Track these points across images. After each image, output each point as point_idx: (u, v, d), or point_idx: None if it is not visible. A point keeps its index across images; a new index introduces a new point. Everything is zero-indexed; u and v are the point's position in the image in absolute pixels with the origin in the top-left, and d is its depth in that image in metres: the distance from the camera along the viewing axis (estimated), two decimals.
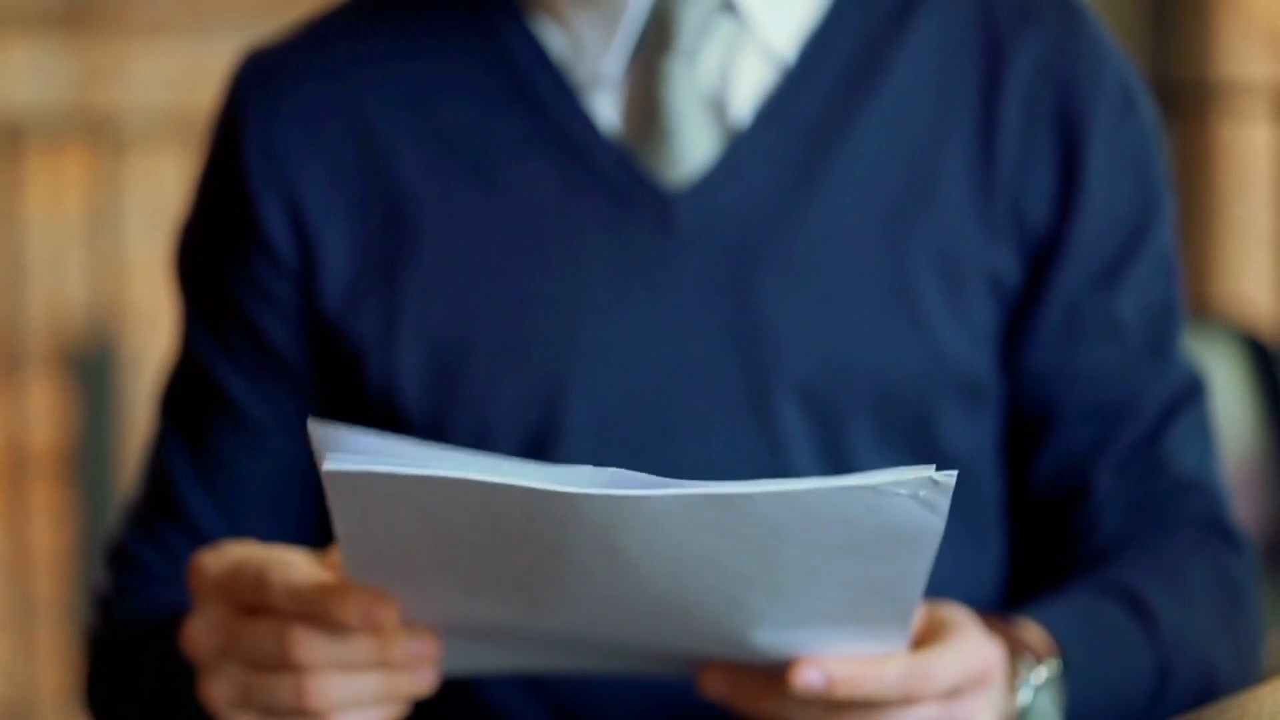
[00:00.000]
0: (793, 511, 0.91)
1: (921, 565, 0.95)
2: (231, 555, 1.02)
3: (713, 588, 0.95)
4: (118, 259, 3.44)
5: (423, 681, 1.01)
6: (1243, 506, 1.30)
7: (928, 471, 0.90)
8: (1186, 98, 3.75)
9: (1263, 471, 2.31)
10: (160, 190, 3.38)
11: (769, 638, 0.98)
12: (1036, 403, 1.24)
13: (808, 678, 0.98)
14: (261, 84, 1.26)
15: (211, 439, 1.26)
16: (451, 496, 0.91)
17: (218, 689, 1.02)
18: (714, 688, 1.01)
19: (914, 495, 0.90)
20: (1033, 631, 1.09)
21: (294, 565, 1.00)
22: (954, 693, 1.00)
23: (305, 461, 1.25)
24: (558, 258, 1.20)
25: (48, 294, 3.45)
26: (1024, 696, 1.05)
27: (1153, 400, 1.24)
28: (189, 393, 1.27)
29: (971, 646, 1.01)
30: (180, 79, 3.41)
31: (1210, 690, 1.17)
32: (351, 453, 0.91)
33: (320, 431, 0.91)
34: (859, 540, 0.92)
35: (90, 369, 3.44)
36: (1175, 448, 1.24)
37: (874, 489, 0.90)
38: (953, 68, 1.23)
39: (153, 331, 3.35)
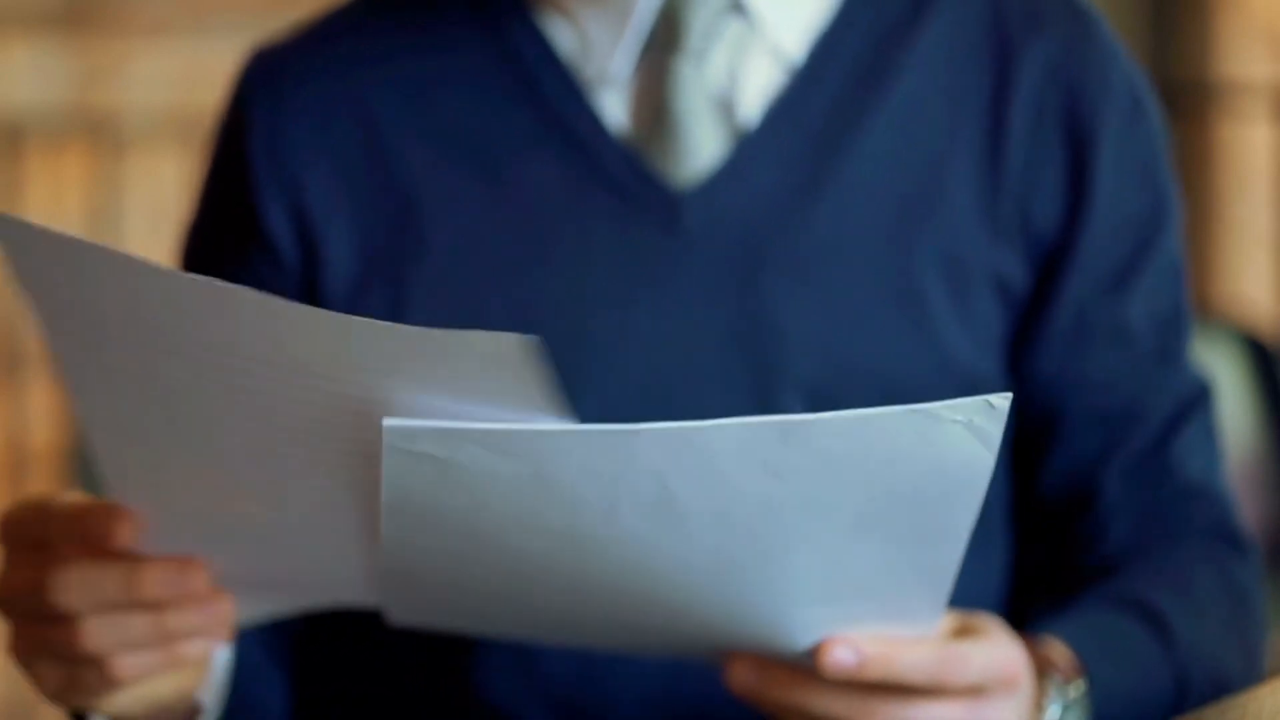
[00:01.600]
0: (849, 442, 0.90)
1: (966, 518, 0.93)
2: (30, 500, 1.00)
3: (755, 549, 0.94)
4: None
5: (208, 617, 0.98)
6: (1243, 506, 1.30)
7: (983, 398, 0.89)
8: (1186, 98, 3.75)
9: (1263, 472, 2.31)
10: (160, 190, 3.38)
11: (801, 614, 0.97)
12: (1044, 408, 1.24)
13: (838, 655, 0.96)
14: (267, 82, 1.26)
15: None
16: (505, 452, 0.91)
17: (18, 643, 1.01)
18: (741, 677, 1.00)
19: (968, 423, 0.90)
20: (1058, 650, 1.08)
21: (68, 496, 0.97)
22: (980, 691, 1.00)
23: None
24: (564, 256, 1.20)
25: None
26: (1052, 715, 1.05)
27: (1161, 406, 1.24)
28: None
29: (1001, 648, 1.01)
30: (180, 79, 3.41)
31: (1221, 699, 1.17)
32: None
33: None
34: (910, 476, 0.92)
35: None
36: (1183, 454, 1.24)
37: (930, 414, 0.89)
38: (962, 70, 1.23)
39: None
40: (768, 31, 1.22)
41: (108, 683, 0.99)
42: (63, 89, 3.42)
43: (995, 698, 1.00)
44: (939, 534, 0.95)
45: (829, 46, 1.23)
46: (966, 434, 0.91)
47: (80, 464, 3.44)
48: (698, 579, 0.95)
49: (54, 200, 3.44)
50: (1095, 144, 1.23)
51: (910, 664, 0.97)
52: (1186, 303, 1.27)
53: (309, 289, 1.23)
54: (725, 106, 1.22)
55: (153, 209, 3.40)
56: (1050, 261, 1.23)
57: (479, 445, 0.90)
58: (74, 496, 0.98)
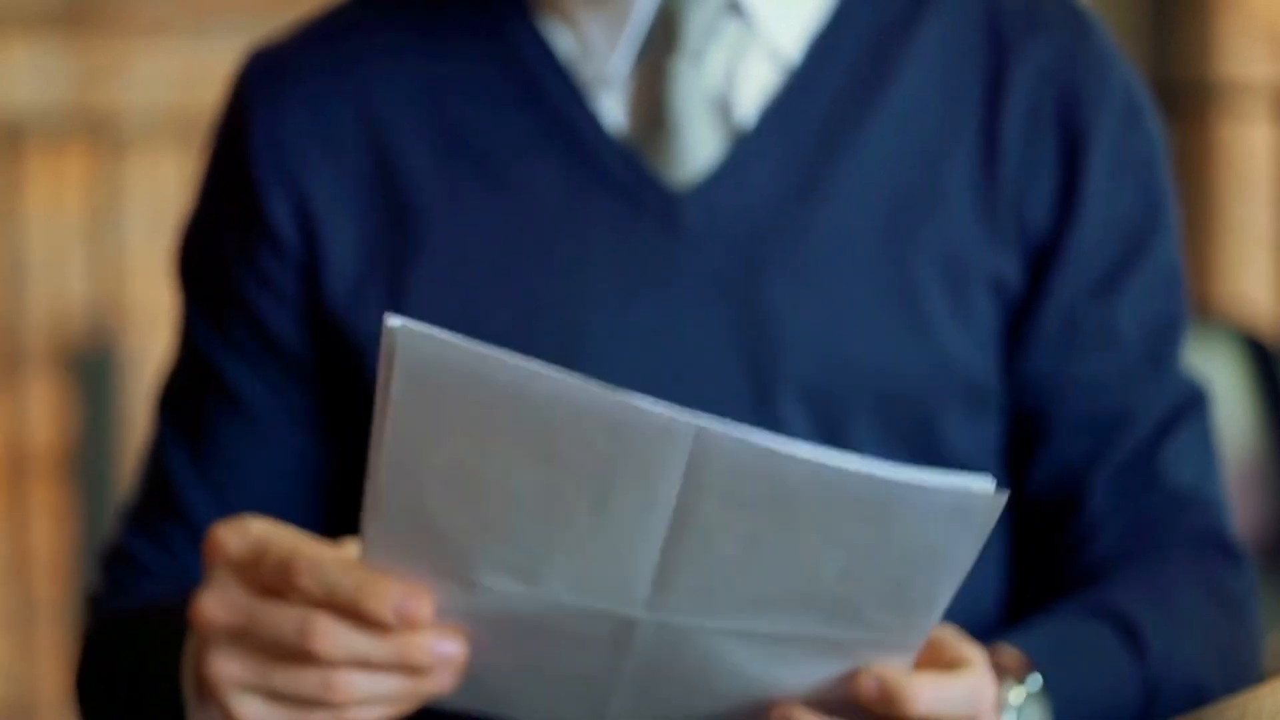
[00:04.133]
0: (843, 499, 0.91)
1: (952, 579, 0.95)
2: (254, 532, 0.99)
3: (752, 596, 0.94)
4: (118, 259, 3.44)
5: (444, 682, 0.98)
6: (1242, 507, 1.30)
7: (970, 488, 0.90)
8: (1186, 98, 3.75)
9: (1263, 472, 2.31)
10: (160, 190, 3.38)
11: (786, 626, 0.96)
12: (1033, 410, 1.24)
13: (871, 687, 0.96)
14: (268, 80, 1.26)
15: (212, 432, 1.26)
16: (519, 385, 0.89)
17: (226, 668, 0.98)
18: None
19: (956, 508, 0.91)
20: (1007, 654, 1.08)
21: (324, 550, 0.97)
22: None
23: (307, 457, 1.25)
24: (563, 256, 1.21)
25: (48, 294, 3.45)
26: (1006, 718, 1.05)
27: (1150, 412, 1.24)
28: (189, 387, 1.27)
29: (985, 673, 1.01)
30: (180, 79, 3.41)
31: (1198, 710, 1.16)
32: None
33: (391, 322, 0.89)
34: (900, 540, 0.93)
35: (90, 369, 3.44)
36: (1173, 461, 1.24)
37: (924, 491, 0.90)
38: (958, 71, 1.23)
39: (153, 331, 3.35)
40: (765, 32, 1.22)
41: None
42: (63, 89, 3.43)
43: None
44: (923, 583, 0.95)
45: (826, 47, 1.23)
46: (952, 515, 0.91)
47: (80, 464, 3.45)
48: (677, 587, 0.95)
49: (54, 200, 3.45)
50: (1088, 146, 1.23)
51: (952, 701, 0.98)
52: (1182, 310, 1.26)
53: (312, 283, 1.23)
54: (723, 107, 1.22)
55: (153, 209, 3.40)
56: (1041, 261, 1.23)
57: (487, 370, 0.89)
58: (328, 557, 0.97)
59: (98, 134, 3.41)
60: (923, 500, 0.91)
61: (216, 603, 0.98)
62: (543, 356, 1.19)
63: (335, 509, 1.26)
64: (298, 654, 0.96)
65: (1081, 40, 1.25)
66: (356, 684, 0.96)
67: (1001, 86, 1.23)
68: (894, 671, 0.97)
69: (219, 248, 1.26)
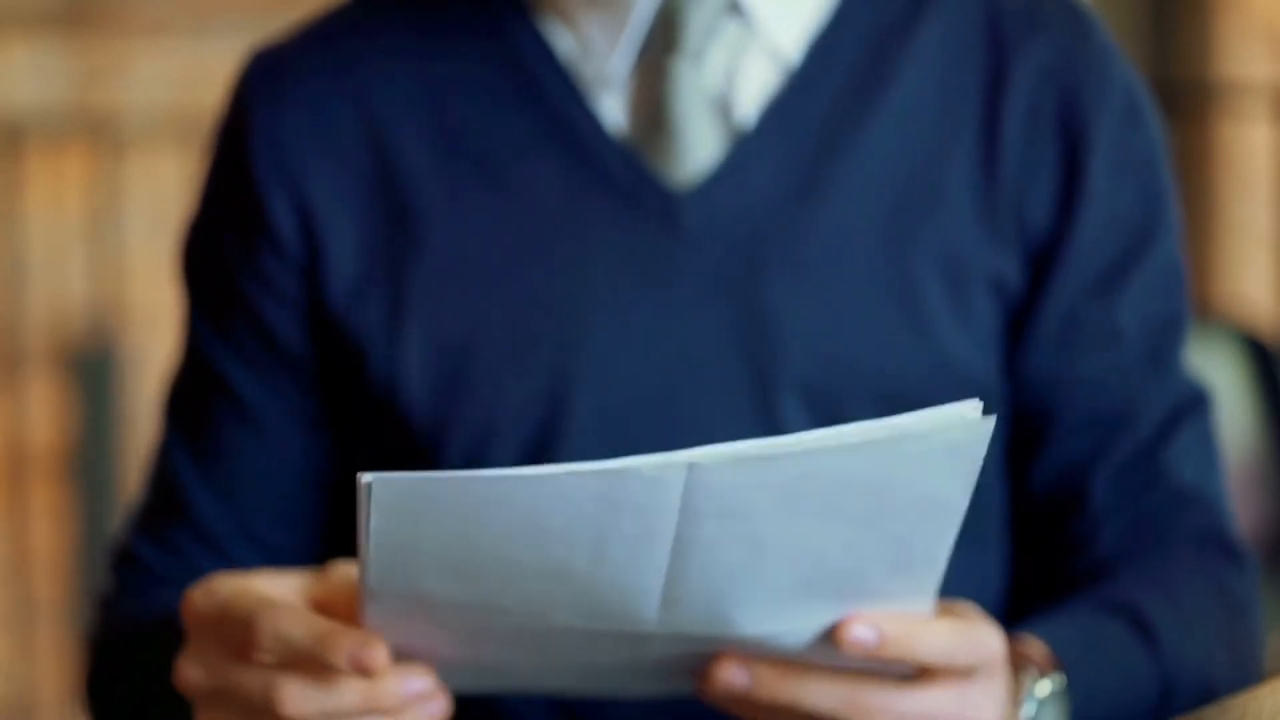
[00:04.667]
0: (834, 471, 0.91)
1: (951, 520, 0.95)
2: (220, 594, 1.01)
3: (761, 590, 0.95)
4: (118, 259, 3.44)
5: (428, 714, 1.00)
6: (1243, 506, 1.29)
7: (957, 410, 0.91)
8: (1186, 98, 3.75)
9: (1263, 472, 2.31)
10: (160, 190, 3.38)
11: (788, 611, 0.97)
12: (1034, 408, 1.24)
13: (858, 633, 0.96)
14: (268, 81, 1.26)
15: (216, 435, 1.26)
16: (499, 496, 0.90)
17: None
18: (727, 679, 0.99)
19: (948, 441, 0.91)
20: (1034, 646, 1.09)
21: (282, 608, 0.99)
22: (970, 674, 1.00)
23: (310, 458, 1.25)
24: (563, 256, 1.20)
25: (48, 294, 3.45)
26: (1027, 710, 1.05)
27: (1152, 411, 1.24)
28: (194, 390, 1.28)
29: (990, 630, 1.01)
30: (180, 79, 3.41)
31: (1208, 707, 1.16)
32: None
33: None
34: (896, 495, 0.93)
35: (90, 369, 3.44)
36: (1175, 460, 1.24)
37: (913, 437, 0.91)
38: (958, 71, 1.23)
39: (153, 331, 3.35)
40: (765, 32, 1.22)
41: None
42: (63, 89, 3.43)
43: (981, 681, 1.00)
44: (926, 534, 0.95)
45: (826, 47, 1.23)
46: (947, 452, 0.92)
47: (80, 464, 3.45)
48: (687, 601, 0.96)
49: (54, 200, 3.45)
50: (1089, 145, 1.23)
51: (927, 643, 0.98)
52: (1184, 309, 1.26)
53: (313, 284, 1.23)
54: (723, 107, 1.22)
55: (153, 209, 3.40)
56: (1042, 260, 1.23)
57: (465, 494, 0.91)
58: (289, 612, 0.99)
59: (98, 134, 3.41)
60: (913, 449, 0.91)
61: (193, 666, 1.02)
62: (541, 356, 1.19)
63: (338, 507, 1.26)
64: (269, 715, 0.99)
65: (1082, 40, 1.25)
66: None
67: (1002, 86, 1.23)
68: (889, 615, 0.97)
69: (220, 249, 1.26)
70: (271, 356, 1.25)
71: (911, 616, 0.98)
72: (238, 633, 0.99)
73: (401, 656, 1.00)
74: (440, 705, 1.00)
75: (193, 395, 1.28)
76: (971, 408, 0.91)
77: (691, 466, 0.89)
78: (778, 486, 0.91)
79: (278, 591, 1.01)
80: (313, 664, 0.97)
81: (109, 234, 3.44)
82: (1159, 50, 3.93)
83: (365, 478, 0.90)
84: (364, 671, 0.97)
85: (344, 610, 1.00)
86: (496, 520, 0.92)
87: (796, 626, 0.97)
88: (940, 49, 1.24)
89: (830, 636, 0.97)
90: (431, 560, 0.94)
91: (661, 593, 0.95)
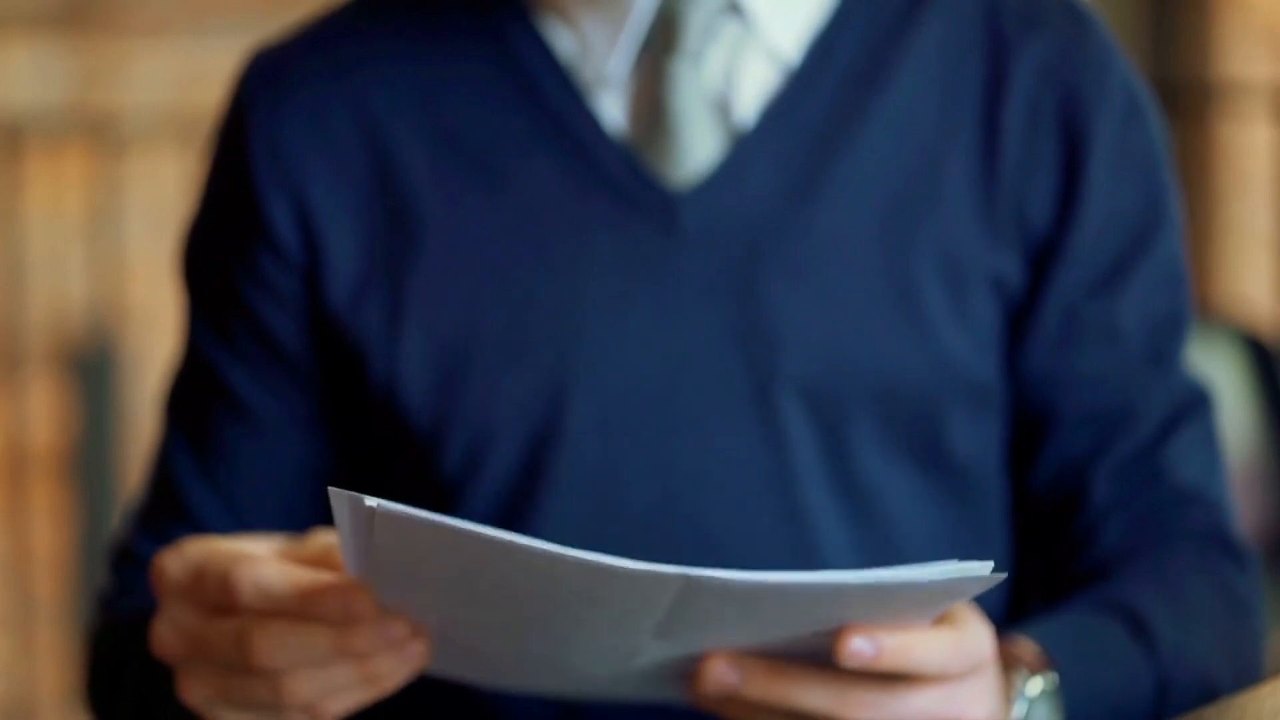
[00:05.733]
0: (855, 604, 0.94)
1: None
2: (193, 555, 1.01)
3: (757, 624, 0.96)
4: (118, 259, 3.44)
5: (406, 661, 0.99)
6: (1243, 506, 1.29)
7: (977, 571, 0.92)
8: (1186, 98, 3.75)
9: (1263, 472, 2.32)
10: (160, 190, 3.38)
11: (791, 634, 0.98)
12: (1035, 406, 1.24)
13: (856, 645, 0.96)
14: (267, 83, 1.26)
15: (216, 436, 1.26)
16: (494, 559, 0.91)
17: (194, 690, 1.02)
18: (717, 678, 0.98)
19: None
20: (1025, 646, 1.09)
21: (263, 562, 0.99)
22: (961, 675, 1.00)
23: (310, 458, 1.25)
24: (562, 257, 1.20)
25: (48, 294, 3.45)
26: (1019, 709, 1.05)
27: (1152, 409, 1.24)
28: (194, 391, 1.28)
29: (978, 630, 1.01)
30: (180, 79, 3.41)
31: (1208, 706, 1.16)
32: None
33: (345, 496, 0.91)
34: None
35: (90, 369, 3.44)
36: (1176, 458, 1.24)
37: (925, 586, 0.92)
38: (957, 70, 1.23)
39: (153, 331, 3.36)
40: (764, 32, 1.22)
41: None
42: (63, 89, 3.43)
43: (970, 681, 1.00)
44: (922, 613, 0.97)
45: (825, 47, 1.23)
46: (949, 588, 0.94)
47: (80, 464, 3.45)
48: (677, 640, 0.97)
49: (54, 200, 3.45)
50: (1089, 143, 1.23)
51: (924, 655, 0.98)
52: (1185, 307, 1.26)
53: (312, 286, 1.23)
54: (722, 107, 1.22)
55: (153, 209, 3.40)
56: (1042, 259, 1.23)
57: (460, 545, 0.91)
58: (266, 569, 0.99)
59: (98, 134, 3.41)
60: (916, 590, 0.93)
61: (168, 631, 1.02)
62: (540, 357, 1.19)
63: None
64: (245, 668, 0.99)
65: (1081, 38, 1.25)
66: (307, 683, 0.99)
67: (1001, 85, 1.23)
68: (888, 629, 0.97)
69: (220, 252, 1.26)
70: (271, 358, 1.25)
71: (907, 630, 0.98)
72: (213, 588, 0.99)
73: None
74: (418, 649, 0.99)
75: (192, 396, 1.28)
76: (976, 570, 0.92)
77: (687, 581, 0.90)
78: (774, 607, 0.93)
79: (254, 549, 1.01)
80: (290, 615, 0.97)
81: (109, 234, 3.44)
82: (1159, 50, 3.93)
83: (369, 502, 0.90)
84: (352, 619, 0.97)
85: (325, 573, 0.99)
86: (489, 573, 0.93)
87: (787, 637, 0.98)
88: (939, 48, 1.24)
89: (820, 637, 0.97)
90: (427, 583, 0.95)
91: (652, 637, 0.96)
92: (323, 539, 1.02)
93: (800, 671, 0.98)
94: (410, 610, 0.98)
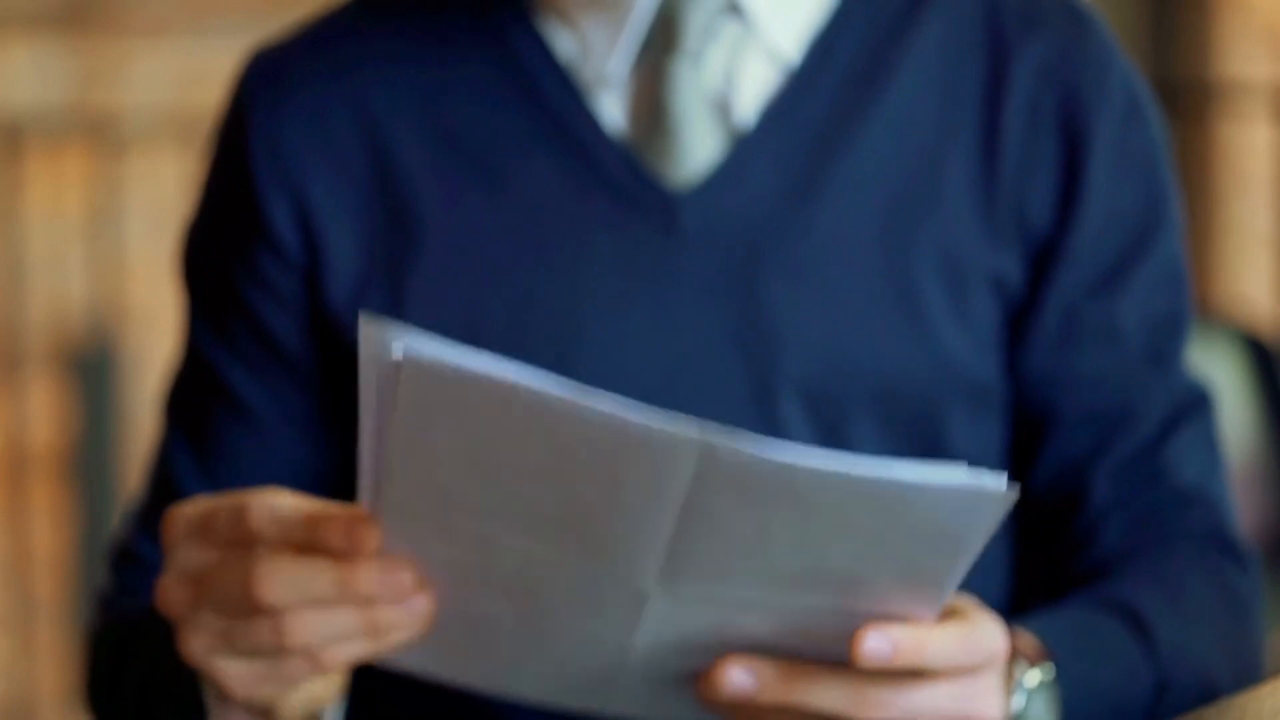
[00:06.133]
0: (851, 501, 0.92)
1: (963, 558, 0.95)
2: (206, 501, 1.00)
3: (763, 572, 0.94)
4: (118, 259, 3.44)
5: (411, 613, 0.98)
6: (1243, 506, 1.29)
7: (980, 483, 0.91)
8: (1186, 98, 3.75)
9: (1263, 472, 2.32)
10: (160, 190, 3.38)
11: (798, 601, 0.96)
12: (1035, 406, 1.24)
13: (873, 644, 0.95)
14: (267, 83, 1.26)
15: (216, 436, 1.26)
16: (524, 407, 0.89)
17: (196, 641, 0.99)
18: (732, 683, 0.98)
19: (966, 501, 0.91)
20: (1024, 638, 1.08)
21: (276, 494, 0.98)
22: (974, 670, 1.00)
23: (310, 458, 1.25)
24: (562, 258, 1.21)
25: (48, 294, 3.45)
26: (1017, 701, 1.05)
27: (1153, 409, 1.24)
28: (194, 391, 1.28)
29: (988, 625, 1.01)
30: (180, 79, 3.41)
31: (1207, 704, 1.16)
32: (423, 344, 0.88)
33: (374, 326, 0.89)
34: (908, 532, 0.93)
35: (90, 369, 3.44)
36: (1176, 459, 1.23)
37: (930, 490, 0.91)
38: (957, 70, 1.23)
39: (153, 331, 3.36)
40: (764, 33, 1.22)
41: (316, 672, 0.99)
42: (63, 89, 3.43)
43: (984, 677, 1.00)
44: (936, 562, 0.95)
45: (825, 47, 1.23)
46: (969, 501, 0.92)
47: (80, 464, 3.45)
48: (687, 571, 0.95)
49: (54, 200, 3.45)
50: (1089, 143, 1.23)
51: (936, 650, 0.97)
52: (1186, 308, 1.26)
53: (312, 286, 1.23)
54: (722, 108, 1.22)
55: (153, 209, 3.40)
56: (1042, 259, 1.23)
57: (491, 396, 0.89)
58: (281, 499, 0.97)
59: (98, 134, 3.41)
60: (933, 498, 0.91)
61: (172, 581, 1.00)
62: (541, 357, 1.19)
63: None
64: (248, 607, 0.97)
65: (1081, 38, 1.25)
66: (309, 625, 0.96)
67: (1001, 85, 1.23)
68: (899, 625, 0.96)
69: (219, 252, 1.26)
70: (271, 358, 1.25)
71: (920, 625, 0.97)
72: (226, 520, 0.97)
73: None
74: (423, 603, 0.98)
75: (193, 396, 1.28)
76: (993, 481, 0.91)
77: (705, 445, 0.89)
78: (790, 491, 0.91)
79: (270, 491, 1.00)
80: (301, 547, 0.96)
81: (109, 234, 3.44)
82: (1159, 50, 3.93)
83: (397, 352, 0.88)
84: (355, 549, 0.95)
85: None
86: (519, 429, 0.90)
87: (792, 618, 0.97)
88: (939, 48, 1.24)
89: (829, 633, 0.97)
90: (452, 449, 0.93)
91: (664, 555, 0.94)
92: (335, 505, 1.00)
93: (814, 672, 0.98)
94: (430, 535, 0.96)
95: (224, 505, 0.98)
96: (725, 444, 0.89)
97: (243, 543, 0.97)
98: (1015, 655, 1.05)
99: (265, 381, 1.25)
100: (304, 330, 1.24)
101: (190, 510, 1.00)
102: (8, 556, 3.44)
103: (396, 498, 0.96)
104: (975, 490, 0.91)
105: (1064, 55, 1.24)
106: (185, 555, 1.00)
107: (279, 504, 0.97)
